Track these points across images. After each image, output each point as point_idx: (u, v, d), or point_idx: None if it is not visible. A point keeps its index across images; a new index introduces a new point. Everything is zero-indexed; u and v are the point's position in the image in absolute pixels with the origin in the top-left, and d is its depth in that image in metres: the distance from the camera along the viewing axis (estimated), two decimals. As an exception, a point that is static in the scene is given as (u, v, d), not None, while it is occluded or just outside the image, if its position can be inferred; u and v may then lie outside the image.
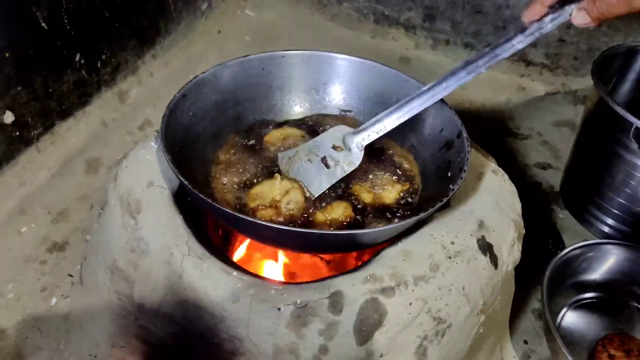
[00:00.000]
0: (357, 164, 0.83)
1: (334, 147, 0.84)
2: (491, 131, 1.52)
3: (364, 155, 0.83)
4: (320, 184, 0.83)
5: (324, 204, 0.82)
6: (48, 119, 1.23)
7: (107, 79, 1.37)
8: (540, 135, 1.51)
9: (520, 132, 1.52)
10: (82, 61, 1.28)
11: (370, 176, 0.87)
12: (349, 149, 0.83)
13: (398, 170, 0.88)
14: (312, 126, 0.95)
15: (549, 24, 0.77)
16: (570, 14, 0.76)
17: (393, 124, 0.81)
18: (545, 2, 0.77)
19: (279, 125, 0.95)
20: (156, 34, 1.50)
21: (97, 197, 1.17)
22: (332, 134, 0.85)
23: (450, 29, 1.69)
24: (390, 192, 0.84)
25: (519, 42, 0.79)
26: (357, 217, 0.81)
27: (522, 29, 0.79)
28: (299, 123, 0.96)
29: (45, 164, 1.23)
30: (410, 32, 1.76)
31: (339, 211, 0.80)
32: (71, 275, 1.05)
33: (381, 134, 0.82)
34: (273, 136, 0.92)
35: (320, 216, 0.80)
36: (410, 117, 0.81)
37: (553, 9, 0.77)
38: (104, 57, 1.34)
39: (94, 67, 1.31)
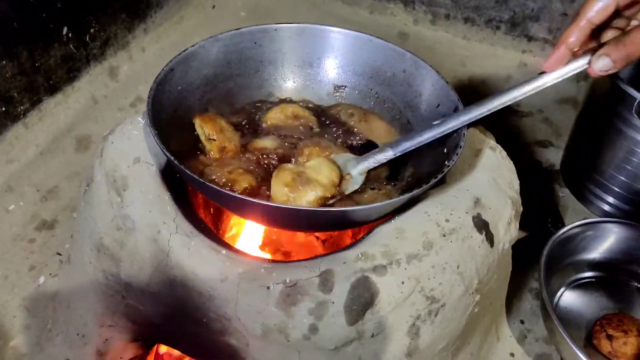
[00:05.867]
0: (357, 187, 0.79)
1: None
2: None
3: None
4: None
5: None
6: (35, 95, 1.20)
7: (97, 54, 1.33)
8: (541, 112, 1.48)
9: (521, 109, 1.49)
10: (70, 35, 1.24)
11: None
12: (350, 175, 0.80)
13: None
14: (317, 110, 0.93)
15: (563, 73, 0.72)
16: (589, 63, 0.69)
17: (400, 152, 0.78)
18: (570, 45, 0.69)
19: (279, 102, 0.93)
20: (147, 8, 1.47)
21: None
22: (334, 160, 0.81)
23: (450, 2, 1.65)
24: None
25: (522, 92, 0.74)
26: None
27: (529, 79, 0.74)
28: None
29: (33, 141, 1.20)
30: (409, 7, 1.72)
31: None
32: (60, 254, 1.03)
33: (384, 161, 0.79)
34: (276, 114, 0.90)
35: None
36: (416, 146, 0.77)
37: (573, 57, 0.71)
38: (92, 30, 1.30)
39: (82, 41, 1.28)
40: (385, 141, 0.86)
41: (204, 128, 0.82)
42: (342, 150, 0.84)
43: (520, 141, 1.40)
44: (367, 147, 0.85)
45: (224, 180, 0.77)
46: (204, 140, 0.82)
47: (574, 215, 1.21)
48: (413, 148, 0.77)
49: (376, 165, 0.79)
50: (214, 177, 0.77)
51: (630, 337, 0.93)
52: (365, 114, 0.92)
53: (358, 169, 0.79)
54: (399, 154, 0.78)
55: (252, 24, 0.91)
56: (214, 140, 0.81)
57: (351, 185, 0.79)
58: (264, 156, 0.82)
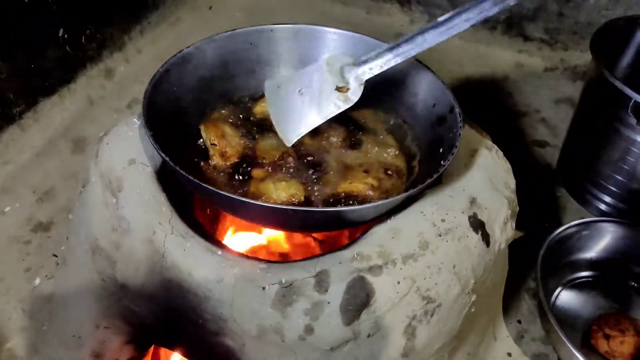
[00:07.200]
0: (355, 101, 0.74)
1: (338, 89, 0.72)
2: (488, 108, 1.49)
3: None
4: (301, 124, 0.75)
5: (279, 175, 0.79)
6: (31, 96, 1.20)
7: (93, 55, 1.33)
8: (538, 112, 1.48)
9: (518, 109, 1.49)
10: (66, 36, 1.24)
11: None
12: (347, 82, 0.73)
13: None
14: None
15: None
16: None
17: (401, 57, 0.72)
18: None
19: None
20: (143, 9, 1.47)
21: (84, 176, 1.15)
22: (329, 63, 0.75)
23: (446, 3, 1.65)
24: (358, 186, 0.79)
25: None
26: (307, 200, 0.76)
27: None
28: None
29: (29, 143, 1.20)
30: (406, 8, 1.72)
31: (290, 191, 0.76)
32: (56, 256, 1.03)
33: (386, 67, 0.73)
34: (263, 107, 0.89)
35: (270, 186, 0.77)
36: (420, 51, 0.72)
37: None
38: (88, 32, 1.30)
39: (78, 42, 1.28)
40: (373, 126, 0.87)
41: (207, 134, 0.83)
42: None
43: (517, 141, 1.40)
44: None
45: (283, 195, 0.75)
46: (208, 145, 0.83)
47: (570, 214, 1.21)
48: (415, 53, 0.71)
49: (376, 73, 0.73)
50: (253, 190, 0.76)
51: (627, 336, 0.93)
52: None
53: (356, 78, 0.73)
54: (399, 60, 0.72)
55: (248, 25, 0.91)
56: (215, 145, 0.82)
57: (345, 102, 0.74)
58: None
